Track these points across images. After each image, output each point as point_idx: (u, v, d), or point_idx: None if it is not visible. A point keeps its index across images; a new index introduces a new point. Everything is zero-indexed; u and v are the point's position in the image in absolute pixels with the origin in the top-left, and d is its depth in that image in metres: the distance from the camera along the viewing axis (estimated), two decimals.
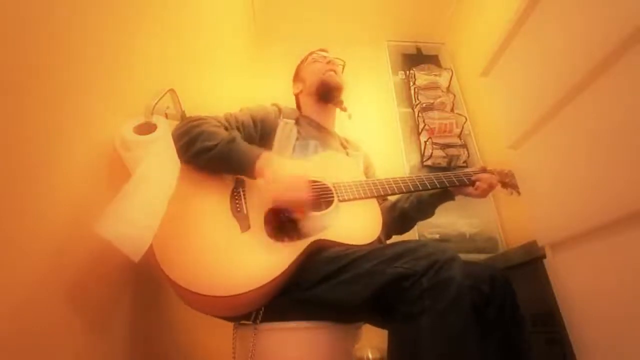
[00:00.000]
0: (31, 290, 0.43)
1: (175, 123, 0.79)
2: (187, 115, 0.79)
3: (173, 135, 0.76)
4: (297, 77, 1.19)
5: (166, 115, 0.74)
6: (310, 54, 1.19)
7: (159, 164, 0.63)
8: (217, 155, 0.75)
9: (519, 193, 0.93)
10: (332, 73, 1.10)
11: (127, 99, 0.68)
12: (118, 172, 0.61)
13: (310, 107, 1.10)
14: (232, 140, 0.77)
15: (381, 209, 0.85)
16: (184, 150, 0.75)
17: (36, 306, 0.44)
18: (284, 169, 0.74)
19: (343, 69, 1.17)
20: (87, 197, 0.55)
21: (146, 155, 0.60)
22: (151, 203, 0.59)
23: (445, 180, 0.91)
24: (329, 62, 1.12)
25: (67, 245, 0.50)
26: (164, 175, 0.65)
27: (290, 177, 0.73)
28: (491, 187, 0.93)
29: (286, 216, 0.77)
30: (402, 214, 1.00)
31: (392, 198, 1.06)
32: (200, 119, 0.81)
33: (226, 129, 0.84)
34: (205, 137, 0.76)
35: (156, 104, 0.66)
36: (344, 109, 1.11)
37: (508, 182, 0.96)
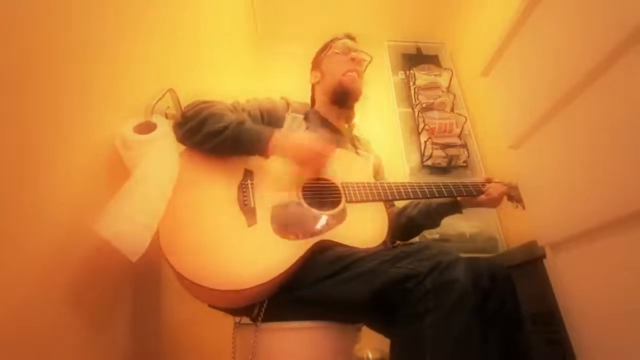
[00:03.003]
0: (31, 290, 0.43)
1: None
2: None
3: (181, 117, 0.75)
4: (315, 65, 1.08)
5: (166, 115, 0.74)
6: (333, 40, 1.04)
7: (159, 163, 0.63)
8: (227, 136, 0.74)
9: (524, 207, 0.92)
10: (353, 75, 0.98)
11: (127, 99, 0.68)
12: (118, 171, 0.61)
13: (322, 104, 1.04)
14: (242, 122, 0.76)
15: (388, 214, 0.84)
16: (192, 133, 0.74)
17: (36, 306, 0.44)
18: (301, 139, 0.78)
19: (366, 67, 1.05)
20: (87, 197, 0.55)
21: (146, 155, 0.60)
22: (150, 202, 0.60)
23: (453, 189, 0.90)
24: (352, 60, 0.98)
25: (67, 245, 0.50)
26: (164, 174, 0.65)
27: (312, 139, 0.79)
28: (501, 196, 0.94)
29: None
30: (409, 221, 1.00)
31: (400, 204, 1.05)
32: (207, 102, 0.80)
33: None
34: (216, 119, 0.75)
35: (156, 103, 0.66)
36: (351, 124, 1.04)
37: (515, 195, 0.96)
